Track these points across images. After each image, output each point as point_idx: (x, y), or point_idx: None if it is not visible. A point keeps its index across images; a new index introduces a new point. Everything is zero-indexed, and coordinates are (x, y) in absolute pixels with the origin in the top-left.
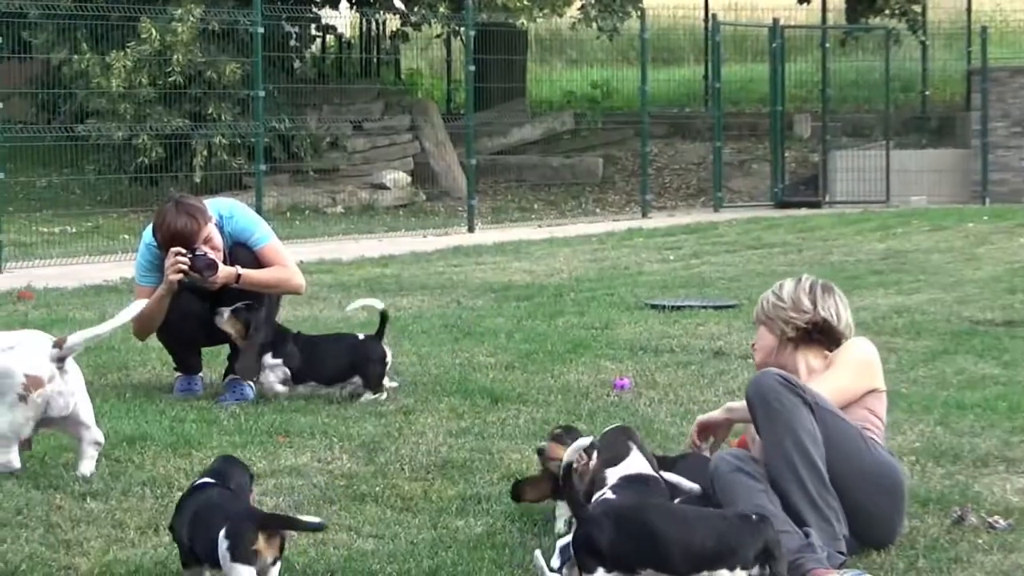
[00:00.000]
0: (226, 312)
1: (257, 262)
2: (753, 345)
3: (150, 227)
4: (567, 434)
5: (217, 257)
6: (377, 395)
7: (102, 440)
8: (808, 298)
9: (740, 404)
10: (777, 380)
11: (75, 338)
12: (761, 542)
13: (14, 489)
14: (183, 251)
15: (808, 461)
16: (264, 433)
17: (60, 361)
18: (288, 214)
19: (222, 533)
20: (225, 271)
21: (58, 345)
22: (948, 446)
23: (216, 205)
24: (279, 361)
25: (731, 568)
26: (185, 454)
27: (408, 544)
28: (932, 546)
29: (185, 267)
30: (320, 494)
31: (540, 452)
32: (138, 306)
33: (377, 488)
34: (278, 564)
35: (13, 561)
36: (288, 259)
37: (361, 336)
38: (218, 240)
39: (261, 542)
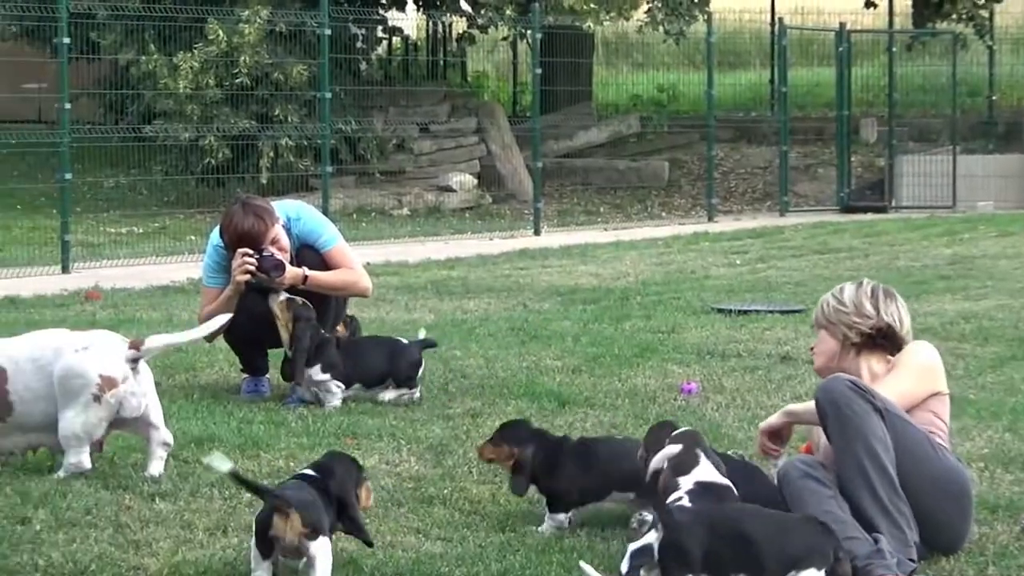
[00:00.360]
0: (283, 295)
1: (324, 264)
2: (812, 349)
3: (217, 228)
4: (660, 429)
5: (284, 258)
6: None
7: (171, 441)
8: (870, 303)
9: (799, 407)
10: (848, 386)
11: (153, 342)
12: (835, 543)
13: (83, 489)
14: (250, 252)
15: (879, 467)
16: (332, 435)
17: (134, 362)
18: (354, 216)
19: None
20: (292, 272)
21: (135, 347)
22: (1017, 452)
23: (283, 207)
24: (327, 376)
25: (819, 568)
26: (253, 455)
27: (476, 547)
28: (1001, 553)
29: (252, 268)
30: (388, 496)
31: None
32: (219, 320)
33: (445, 491)
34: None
35: (83, 561)
36: (355, 261)
37: (404, 340)
38: (285, 241)
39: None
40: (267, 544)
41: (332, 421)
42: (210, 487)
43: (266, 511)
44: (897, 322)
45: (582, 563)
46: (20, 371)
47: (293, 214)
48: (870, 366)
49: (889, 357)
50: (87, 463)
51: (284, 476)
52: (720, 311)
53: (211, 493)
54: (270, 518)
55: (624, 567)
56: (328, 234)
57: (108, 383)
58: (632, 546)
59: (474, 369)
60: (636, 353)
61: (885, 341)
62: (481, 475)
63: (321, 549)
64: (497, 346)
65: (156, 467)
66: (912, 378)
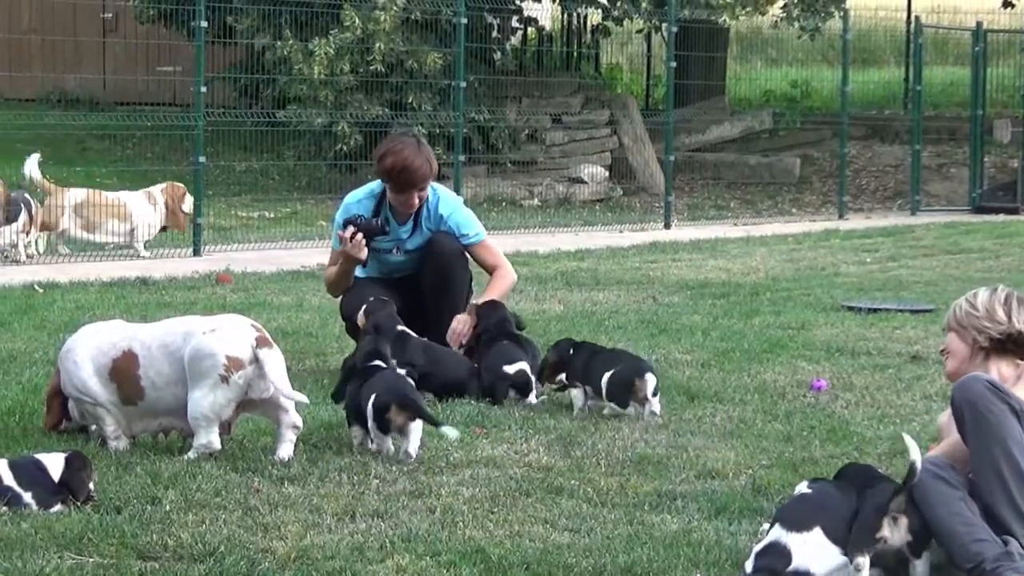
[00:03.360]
0: (360, 312)
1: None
2: (943, 351)
3: (350, 197)
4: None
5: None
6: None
7: (300, 424)
8: (1003, 309)
9: (940, 451)
10: (985, 385)
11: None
12: None
13: (213, 471)
14: (356, 223)
15: (1016, 470)
16: (461, 424)
17: (260, 347)
18: (485, 205)
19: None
20: (463, 316)
21: (261, 342)
22: None
23: (440, 189)
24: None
25: None
26: None
27: (604, 539)
28: None
29: (357, 239)
30: (516, 486)
31: None
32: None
33: (573, 482)
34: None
35: (211, 542)
36: (502, 255)
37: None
38: (421, 202)
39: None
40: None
41: (461, 410)
42: (339, 472)
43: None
44: None
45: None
46: (151, 356)
47: (446, 202)
48: (1000, 369)
49: (1019, 361)
50: (217, 443)
51: (412, 463)
52: (850, 309)
53: (340, 478)
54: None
55: (749, 567)
56: (476, 228)
57: (235, 364)
58: (757, 547)
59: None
60: (765, 349)
61: (1015, 347)
62: (609, 467)
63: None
64: (626, 339)
65: (286, 450)
66: None
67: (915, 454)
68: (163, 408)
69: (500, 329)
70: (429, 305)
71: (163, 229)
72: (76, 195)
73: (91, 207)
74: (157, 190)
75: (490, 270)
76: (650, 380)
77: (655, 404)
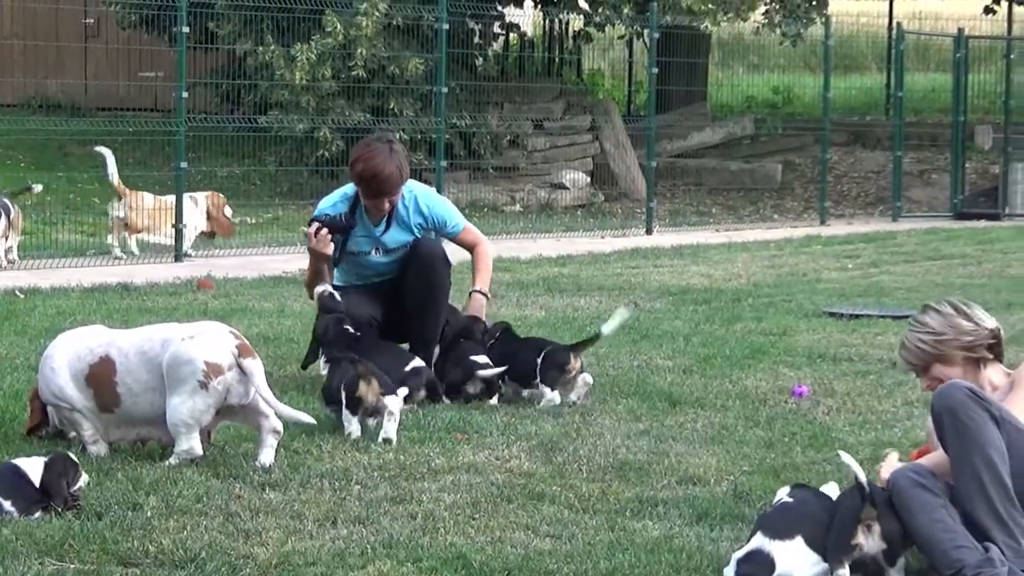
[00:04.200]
0: (327, 287)
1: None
2: (928, 387)
3: (332, 197)
4: None
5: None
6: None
7: (281, 430)
8: (962, 319)
9: (929, 463)
10: (966, 393)
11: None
12: None
13: (194, 477)
14: (322, 221)
15: (996, 477)
16: (442, 430)
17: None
18: (467, 211)
19: None
20: (480, 302)
21: (243, 351)
22: None
23: (415, 186)
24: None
25: None
26: (364, 447)
27: (585, 545)
28: None
29: (323, 232)
30: (498, 492)
31: None
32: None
33: (555, 488)
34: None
35: (193, 548)
36: (478, 232)
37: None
38: (393, 205)
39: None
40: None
41: (442, 416)
42: (320, 478)
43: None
44: (997, 326)
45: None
46: (129, 363)
47: (425, 197)
48: (990, 379)
49: (1008, 371)
50: (198, 449)
51: (394, 469)
52: (832, 315)
53: (321, 484)
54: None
55: (730, 574)
56: (456, 218)
57: (214, 370)
58: (737, 553)
59: (585, 366)
60: (747, 355)
61: (998, 346)
62: (591, 473)
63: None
64: (608, 344)
65: (267, 456)
66: None
67: (856, 468)
68: (140, 416)
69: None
70: (411, 308)
71: (210, 235)
72: (146, 199)
73: (155, 210)
74: (201, 196)
75: (470, 246)
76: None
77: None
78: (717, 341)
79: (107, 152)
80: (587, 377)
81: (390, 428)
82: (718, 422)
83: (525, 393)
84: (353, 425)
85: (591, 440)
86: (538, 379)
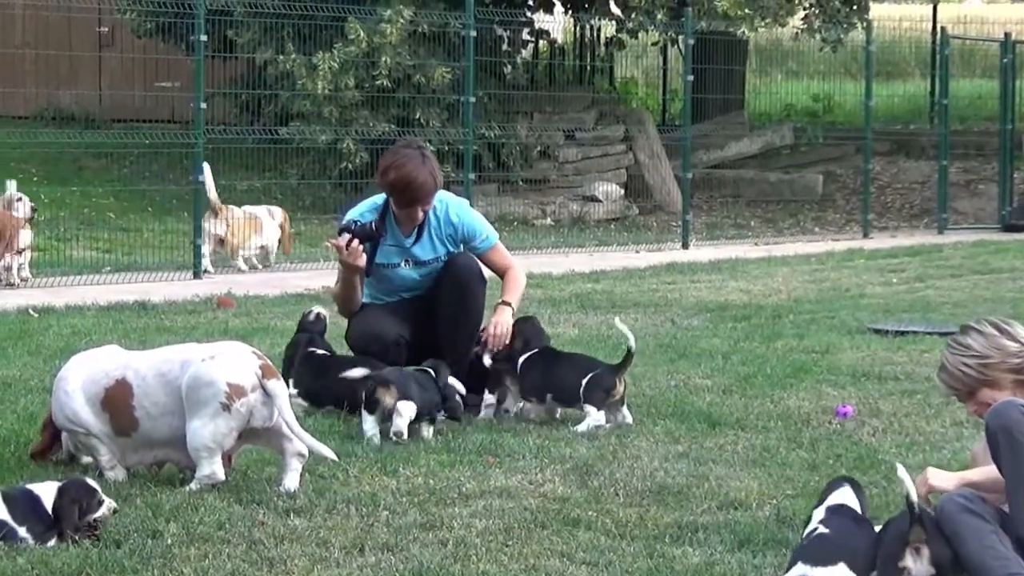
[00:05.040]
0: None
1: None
2: (975, 412)
3: (360, 207)
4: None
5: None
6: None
7: (306, 453)
8: (1006, 339)
9: (977, 475)
10: (1021, 411)
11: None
12: None
13: (216, 503)
14: (350, 229)
15: None
16: (473, 452)
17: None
18: (496, 225)
19: None
20: (507, 313)
21: (266, 372)
22: None
23: (446, 196)
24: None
25: None
26: (391, 471)
27: (623, 573)
28: None
29: (353, 245)
30: (531, 517)
31: None
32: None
33: (590, 513)
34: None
35: None
36: (510, 257)
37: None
38: (425, 215)
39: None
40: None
41: (473, 438)
42: (347, 503)
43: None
44: None
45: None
46: (146, 385)
47: (456, 208)
48: None
49: None
50: (220, 474)
51: (423, 494)
52: (876, 331)
53: (348, 510)
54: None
55: None
56: (487, 231)
57: (236, 391)
58: None
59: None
60: (789, 374)
61: None
62: (628, 497)
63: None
64: (644, 363)
65: (291, 481)
66: None
67: (909, 487)
68: (159, 439)
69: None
70: (444, 327)
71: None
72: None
73: (245, 224)
74: (276, 210)
75: (501, 269)
76: None
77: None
78: (757, 359)
79: (206, 167)
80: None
81: (399, 423)
82: (760, 444)
83: (559, 414)
84: (369, 424)
85: (628, 463)
86: (582, 400)
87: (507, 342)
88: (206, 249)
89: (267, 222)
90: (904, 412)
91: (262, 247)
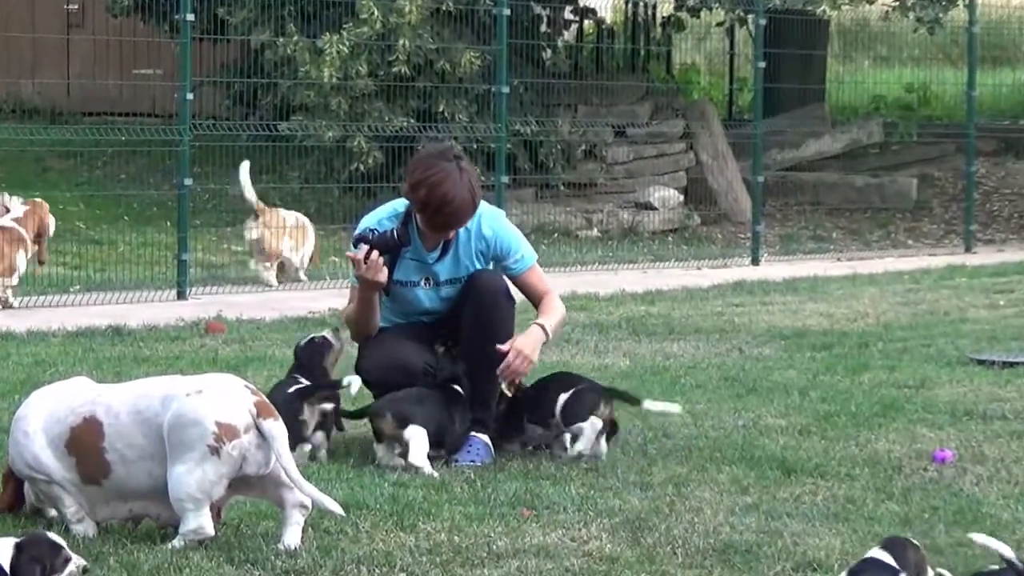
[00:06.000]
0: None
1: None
2: None
3: (375, 214)
4: None
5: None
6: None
7: (309, 504)
8: None
9: None
10: None
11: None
12: None
13: (203, 563)
14: (368, 240)
15: None
16: (505, 504)
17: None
18: (533, 237)
19: None
20: (534, 335)
21: (262, 411)
22: None
23: (480, 206)
24: None
25: None
26: (410, 526)
27: None
28: None
29: (372, 257)
30: None
31: None
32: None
33: (643, 575)
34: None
35: None
36: (548, 282)
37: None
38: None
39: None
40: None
41: (505, 487)
42: (357, 563)
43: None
44: None
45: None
46: (120, 424)
47: (490, 220)
48: None
49: None
50: (209, 528)
51: (446, 552)
52: (980, 362)
53: (358, 571)
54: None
55: None
56: (525, 250)
57: (227, 432)
58: None
59: (678, 427)
60: (877, 412)
61: None
62: (687, 557)
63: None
64: (707, 399)
65: (292, 537)
66: None
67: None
68: (134, 488)
69: None
70: (467, 354)
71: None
72: (288, 217)
73: (295, 230)
74: (301, 215)
75: (537, 296)
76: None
77: None
78: (840, 395)
79: (243, 168)
80: (596, 422)
81: (414, 455)
82: (842, 494)
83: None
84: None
85: (687, 517)
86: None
87: (527, 372)
88: (257, 264)
89: (310, 230)
90: (1013, 458)
91: (302, 258)
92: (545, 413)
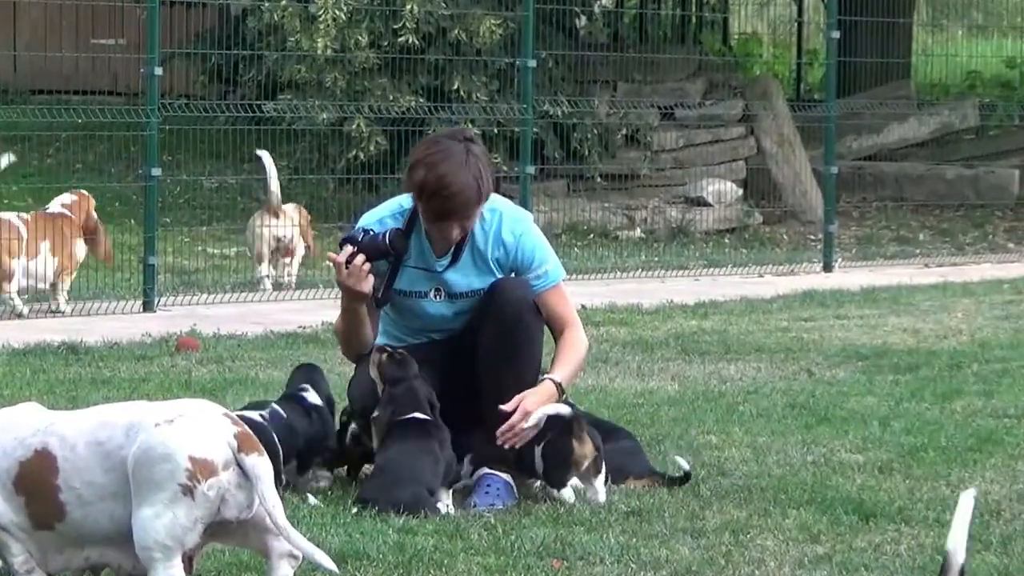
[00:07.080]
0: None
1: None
2: None
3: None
4: None
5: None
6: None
7: (300, 554)
8: None
9: None
10: None
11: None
12: None
13: None
14: (355, 240)
15: None
16: (532, 555)
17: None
18: (564, 237)
19: None
20: (546, 393)
21: (243, 444)
22: None
23: (501, 204)
24: None
25: None
26: None
27: None
28: None
29: (356, 262)
30: None
31: None
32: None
33: None
34: None
35: None
36: (573, 308)
37: None
38: (474, 226)
39: None
40: None
41: (531, 534)
42: None
43: None
44: None
45: None
46: (76, 458)
47: (512, 223)
48: None
49: None
50: None
51: None
52: None
53: None
54: None
55: None
56: (552, 264)
57: (203, 469)
58: None
59: (737, 464)
60: (972, 446)
61: None
62: None
63: None
64: (770, 431)
65: None
66: None
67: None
68: (93, 534)
69: None
70: (485, 379)
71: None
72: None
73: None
74: (290, 207)
75: (558, 326)
76: None
77: None
78: (928, 426)
79: (266, 156)
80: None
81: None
82: (930, 543)
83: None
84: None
85: (747, 569)
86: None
87: (529, 435)
88: (268, 268)
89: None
90: None
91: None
92: (529, 467)
